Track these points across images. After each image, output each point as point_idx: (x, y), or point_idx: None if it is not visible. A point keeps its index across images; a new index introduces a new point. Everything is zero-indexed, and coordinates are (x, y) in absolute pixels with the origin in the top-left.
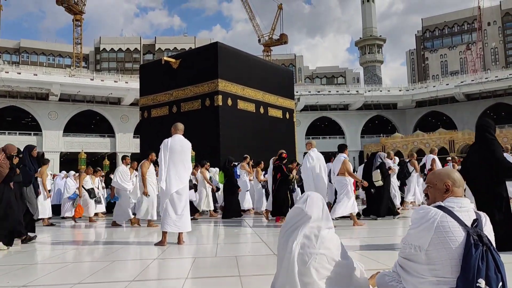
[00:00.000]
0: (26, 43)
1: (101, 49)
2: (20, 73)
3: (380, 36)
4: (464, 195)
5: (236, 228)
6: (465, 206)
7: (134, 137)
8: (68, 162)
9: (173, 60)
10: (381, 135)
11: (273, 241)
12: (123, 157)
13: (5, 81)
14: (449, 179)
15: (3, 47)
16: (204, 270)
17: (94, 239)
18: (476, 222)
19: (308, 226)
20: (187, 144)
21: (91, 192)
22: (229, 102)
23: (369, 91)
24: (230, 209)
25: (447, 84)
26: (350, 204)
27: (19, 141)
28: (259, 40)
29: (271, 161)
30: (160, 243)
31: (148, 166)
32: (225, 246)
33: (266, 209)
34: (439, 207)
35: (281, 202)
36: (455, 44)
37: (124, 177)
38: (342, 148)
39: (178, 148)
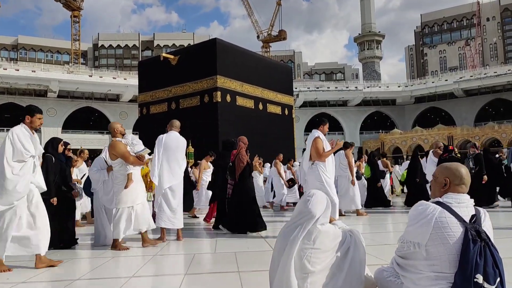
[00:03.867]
0: (24, 40)
1: (99, 45)
2: (18, 70)
3: (379, 32)
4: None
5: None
6: (464, 202)
7: (133, 133)
8: None
9: (172, 56)
10: (380, 131)
11: (273, 237)
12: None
13: (3, 77)
14: (450, 174)
15: (1, 44)
16: (203, 266)
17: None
18: (475, 217)
19: (311, 224)
20: (183, 142)
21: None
22: (228, 98)
23: (368, 87)
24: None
25: (446, 80)
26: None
27: None
28: (258, 36)
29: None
30: (159, 240)
31: (205, 165)
32: (225, 242)
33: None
34: (437, 203)
35: None
36: (454, 39)
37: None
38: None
39: (173, 145)
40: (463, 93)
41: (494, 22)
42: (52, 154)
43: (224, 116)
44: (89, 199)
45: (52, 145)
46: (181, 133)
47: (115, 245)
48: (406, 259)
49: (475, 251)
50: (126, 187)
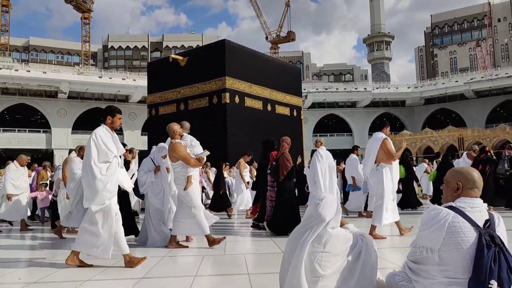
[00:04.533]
0: (35, 41)
1: (109, 47)
2: (29, 71)
3: (389, 32)
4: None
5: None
6: (477, 206)
7: (142, 134)
8: None
9: (181, 57)
10: (390, 132)
11: (282, 239)
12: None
13: (15, 79)
14: (462, 178)
15: (13, 45)
16: (213, 268)
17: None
18: (489, 222)
19: (321, 228)
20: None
21: None
22: (237, 99)
23: (377, 88)
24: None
25: (457, 81)
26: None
27: (29, 138)
28: (267, 38)
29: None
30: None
31: (244, 165)
32: (234, 244)
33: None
34: (450, 207)
35: None
36: (464, 40)
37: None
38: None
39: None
40: (474, 94)
41: (505, 23)
42: None
43: (232, 117)
44: None
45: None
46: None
47: (172, 241)
48: (419, 264)
49: (489, 256)
50: (185, 189)
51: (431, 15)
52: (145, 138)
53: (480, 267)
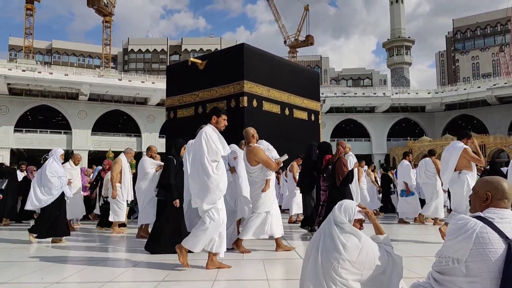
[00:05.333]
0: (57, 44)
1: (129, 50)
2: (52, 73)
3: (409, 37)
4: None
5: None
6: (507, 217)
7: (159, 137)
8: (96, 160)
9: (199, 61)
10: (408, 138)
11: (301, 245)
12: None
13: (38, 81)
14: (492, 188)
15: (36, 48)
16: (231, 273)
17: (123, 238)
18: None
19: (337, 233)
20: None
21: None
22: (255, 103)
23: (396, 93)
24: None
25: (479, 87)
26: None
27: (50, 139)
28: (285, 41)
29: None
30: None
31: (297, 168)
32: (252, 250)
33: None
34: (479, 217)
35: None
36: (487, 45)
37: None
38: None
39: None
40: (497, 100)
41: None
42: (174, 156)
43: (250, 121)
44: None
45: (175, 147)
46: None
47: (238, 244)
48: (444, 275)
49: None
50: (263, 191)
51: (453, 20)
52: (163, 140)
53: (508, 279)
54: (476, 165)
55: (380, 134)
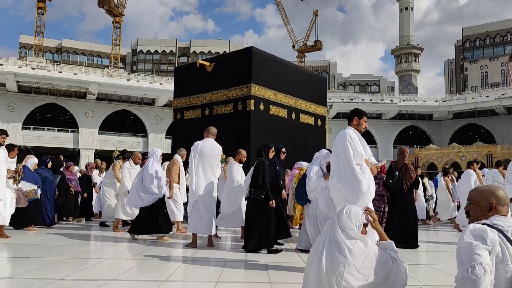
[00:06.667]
0: (67, 43)
1: (138, 50)
2: (61, 72)
3: (418, 45)
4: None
5: None
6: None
7: (166, 137)
8: (102, 159)
9: (208, 63)
10: (415, 146)
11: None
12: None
13: (47, 79)
14: (493, 197)
15: (46, 47)
16: (234, 275)
17: (128, 237)
18: None
19: (342, 237)
20: (218, 149)
21: None
22: (261, 107)
23: (403, 100)
24: None
25: (487, 96)
26: None
27: (57, 137)
28: (293, 46)
29: None
30: (191, 245)
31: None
32: (257, 253)
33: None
34: (488, 226)
35: None
36: (496, 55)
37: None
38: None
39: (208, 151)
40: (505, 110)
41: None
42: (264, 158)
43: (256, 125)
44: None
45: (264, 150)
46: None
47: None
48: None
49: None
50: None
51: (462, 28)
52: (169, 141)
53: None
54: None
55: (387, 141)
